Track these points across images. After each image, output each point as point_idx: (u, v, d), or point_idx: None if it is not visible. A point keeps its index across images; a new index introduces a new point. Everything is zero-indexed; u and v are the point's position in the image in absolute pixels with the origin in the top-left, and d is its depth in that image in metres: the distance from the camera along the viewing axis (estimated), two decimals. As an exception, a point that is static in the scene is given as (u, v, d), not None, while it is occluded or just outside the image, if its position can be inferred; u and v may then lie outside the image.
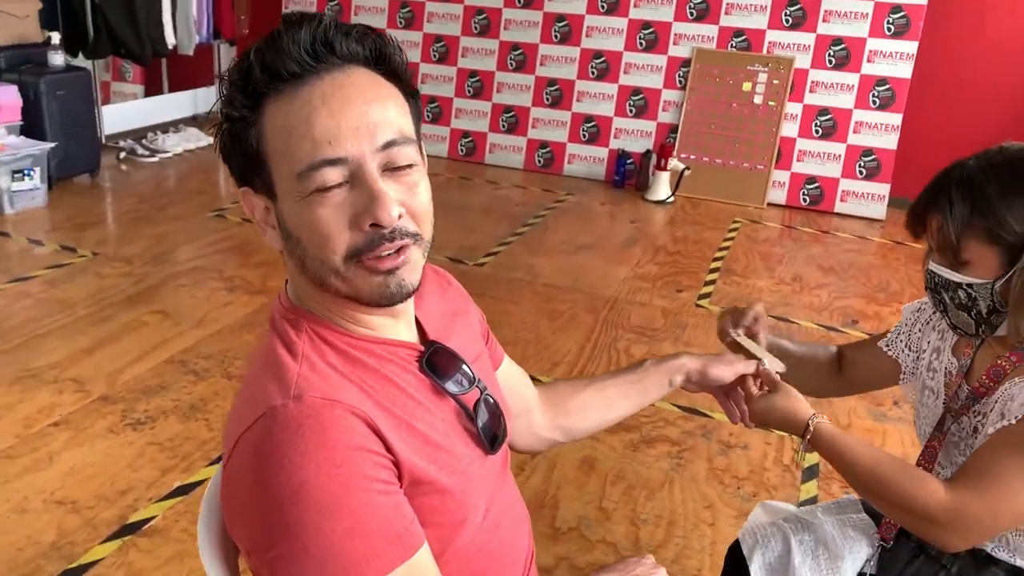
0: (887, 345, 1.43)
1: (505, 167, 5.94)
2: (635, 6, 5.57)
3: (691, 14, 5.47)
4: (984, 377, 1.21)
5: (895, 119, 5.14)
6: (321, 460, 0.77)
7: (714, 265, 4.33)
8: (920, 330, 1.40)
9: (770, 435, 2.77)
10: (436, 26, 6.02)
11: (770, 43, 5.33)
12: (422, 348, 0.95)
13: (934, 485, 1.14)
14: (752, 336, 1.38)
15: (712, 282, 4.10)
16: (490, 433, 0.97)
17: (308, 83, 0.83)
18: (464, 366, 0.97)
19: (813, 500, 2.43)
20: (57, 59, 4.64)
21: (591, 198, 5.42)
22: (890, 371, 1.42)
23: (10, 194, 4.29)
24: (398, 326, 0.94)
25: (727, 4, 5.38)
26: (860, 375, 1.48)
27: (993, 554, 1.23)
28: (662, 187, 5.36)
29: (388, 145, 0.85)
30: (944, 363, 1.32)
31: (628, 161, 5.62)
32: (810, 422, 1.22)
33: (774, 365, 1.29)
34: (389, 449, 0.83)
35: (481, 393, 0.97)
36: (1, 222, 4.25)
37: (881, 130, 5.18)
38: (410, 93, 0.91)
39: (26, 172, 4.33)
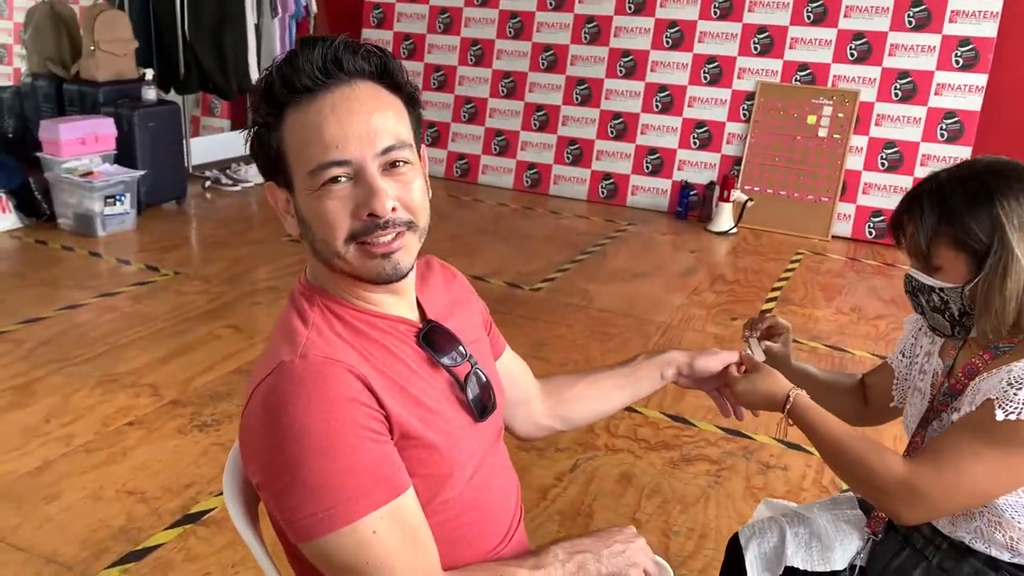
0: (891, 360, 1.49)
1: (569, 198, 6.07)
2: (700, 41, 5.67)
3: (755, 48, 5.54)
4: (960, 374, 1.26)
5: (964, 152, 5.08)
6: (320, 408, 0.90)
7: (772, 295, 4.35)
8: (914, 337, 1.45)
9: (811, 457, 2.78)
10: (505, 63, 6.24)
11: (835, 76, 5.34)
12: (420, 325, 1.07)
13: (893, 459, 1.20)
14: (766, 338, 1.49)
15: (768, 311, 4.12)
16: (479, 404, 1.08)
17: (320, 96, 0.97)
18: (459, 345, 1.09)
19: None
20: (150, 94, 5.01)
21: (652, 228, 5.49)
22: (889, 381, 1.48)
23: (103, 217, 4.63)
24: (400, 304, 1.07)
25: (791, 38, 5.44)
26: (879, 397, 1.53)
27: (971, 545, 1.26)
28: (725, 218, 5.40)
29: (387, 151, 0.98)
30: (933, 365, 1.38)
31: (691, 192, 5.68)
32: (790, 394, 1.29)
33: (757, 354, 1.37)
34: (382, 405, 0.95)
35: (472, 367, 1.08)
36: (93, 243, 4.59)
37: (949, 163, 5.10)
38: (411, 103, 1.04)
39: (118, 197, 4.67)
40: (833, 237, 5.34)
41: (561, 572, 1.06)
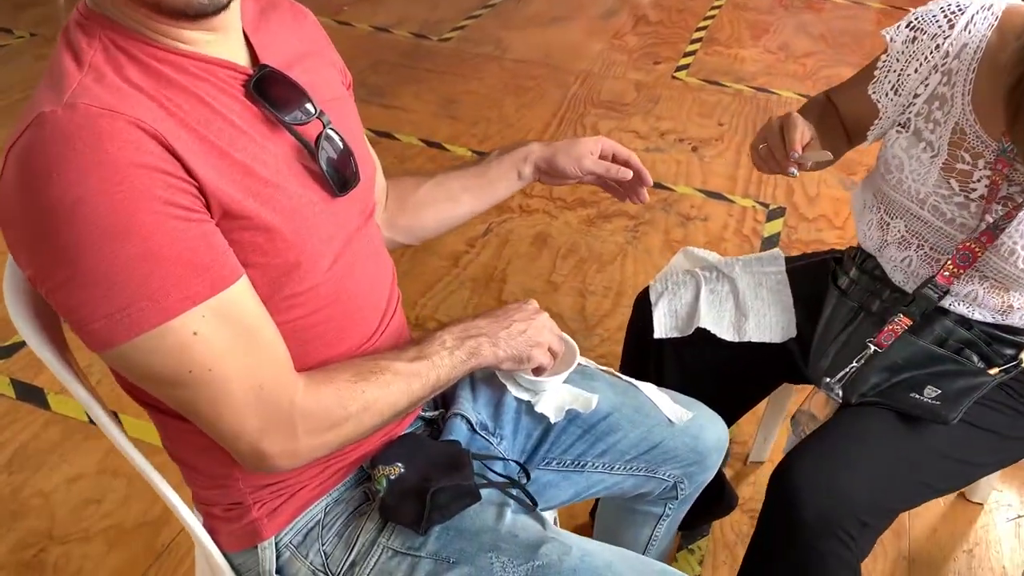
0: (873, 91, 1.22)
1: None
2: None
3: None
4: None
5: None
6: (98, 176, 0.67)
7: (696, 35, 4.07)
8: (916, 70, 1.17)
9: (732, 206, 2.69)
10: None
11: None
12: (251, 71, 0.83)
13: None
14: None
15: (692, 53, 3.86)
16: (337, 174, 0.86)
17: None
18: (307, 100, 0.85)
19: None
20: None
21: (571, -33, 5.02)
22: (872, 118, 1.23)
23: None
24: (221, 43, 0.81)
25: None
26: (847, 123, 1.31)
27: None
28: (648, -48, 4.95)
29: None
30: (953, 116, 1.13)
31: (613, -76, 5.16)
32: None
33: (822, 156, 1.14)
34: (192, 174, 0.73)
35: (324, 127, 0.86)
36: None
37: None
38: None
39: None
40: (763, -30, 4.98)
41: (449, 361, 0.90)
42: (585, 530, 1.53)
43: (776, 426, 1.77)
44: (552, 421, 1.04)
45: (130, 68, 0.75)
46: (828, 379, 1.19)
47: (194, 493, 0.93)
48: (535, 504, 0.94)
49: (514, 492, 0.94)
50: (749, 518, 1.69)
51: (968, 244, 1.09)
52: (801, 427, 1.24)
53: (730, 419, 1.35)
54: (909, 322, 1.14)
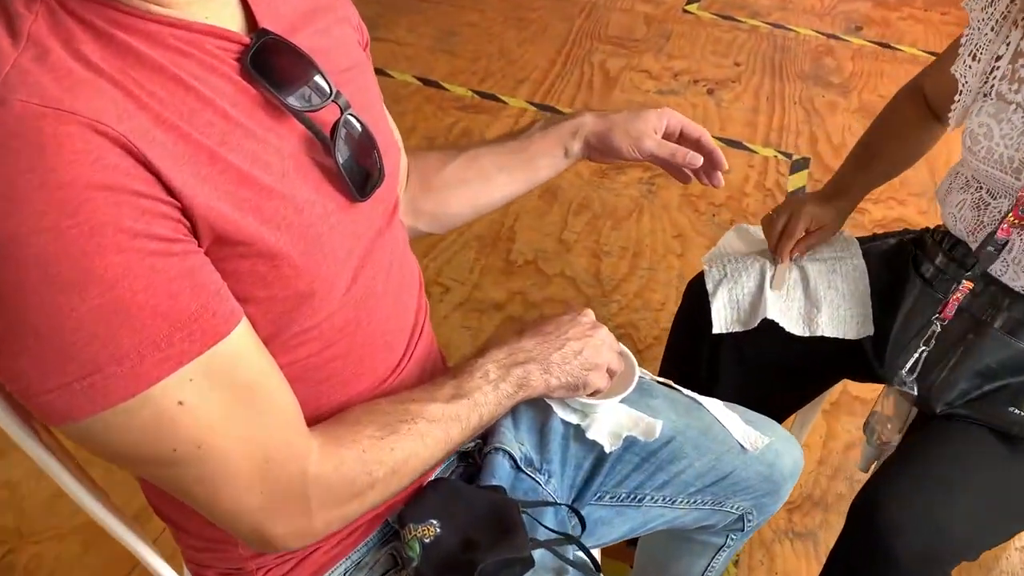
0: (955, 69, 1.06)
1: None
2: None
3: None
4: None
5: None
6: (42, 204, 0.49)
7: (707, -36, 3.81)
8: (993, 29, 1.01)
9: (753, 156, 2.50)
10: None
11: None
12: (248, 40, 0.63)
13: None
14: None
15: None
16: (357, 170, 0.68)
17: None
18: (316, 73, 0.66)
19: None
20: None
21: None
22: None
23: None
24: (206, 4, 0.61)
25: None
26: (935, 107, 1.17)
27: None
28: None
29: None
30: None
31: None
32: None
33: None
34: (172, 191, 0.54)
35: (342, 111, 0.66)
36: None
37: None
38: None
39: None
40: None
41: (494, 397, 0.74)
42: (619, 551, 1.39)
43: (815, 411, 1.63)
44: (607, 450, 0.88)
45: (85, 41, 0.55)
46: (901, 371, 1.04)
47: (184, 554, 0.77)
48: (597, 567, 0.79)
49: (571, 554, 0.78)
50: (786, 511, 1.57)
51: None
52: (876, 434, 1.10)
53: (780, 418, 1.22)
54: (971, 285, 1.00)
